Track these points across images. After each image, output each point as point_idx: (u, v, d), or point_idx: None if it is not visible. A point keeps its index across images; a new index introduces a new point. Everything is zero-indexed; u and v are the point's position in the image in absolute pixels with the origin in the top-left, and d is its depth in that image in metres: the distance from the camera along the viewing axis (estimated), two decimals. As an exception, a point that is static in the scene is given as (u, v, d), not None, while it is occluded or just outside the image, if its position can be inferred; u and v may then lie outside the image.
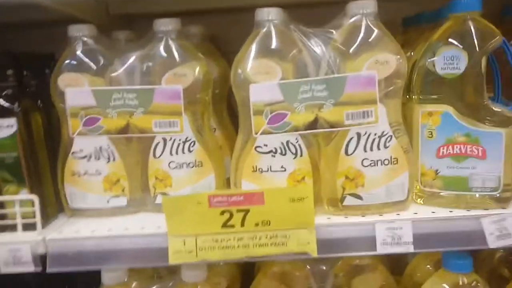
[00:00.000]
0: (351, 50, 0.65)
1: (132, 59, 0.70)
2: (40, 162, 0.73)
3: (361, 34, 0.65)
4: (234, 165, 0.70)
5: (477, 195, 0.67)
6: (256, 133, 0.67)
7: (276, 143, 0.67)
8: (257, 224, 0.65)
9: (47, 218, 0.73)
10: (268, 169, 0.68)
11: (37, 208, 0.68)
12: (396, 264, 0.86)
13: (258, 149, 0.68)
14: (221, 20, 1.00)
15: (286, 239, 0.64)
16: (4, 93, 0.68)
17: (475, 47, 0.64)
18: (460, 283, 0.69)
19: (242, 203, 0.64)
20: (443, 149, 0.68)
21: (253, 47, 0.66)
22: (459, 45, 0.65)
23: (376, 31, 0.65)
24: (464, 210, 0.67)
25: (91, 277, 0.75)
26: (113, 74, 0.70)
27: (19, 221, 0.68)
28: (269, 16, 0.65)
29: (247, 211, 0.65)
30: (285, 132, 0.66)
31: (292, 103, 0.66)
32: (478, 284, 0.70)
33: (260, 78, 0.66)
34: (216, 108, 0.87)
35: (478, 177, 0.67)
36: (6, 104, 0.67)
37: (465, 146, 0.66)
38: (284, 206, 0.64)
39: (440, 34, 0.67)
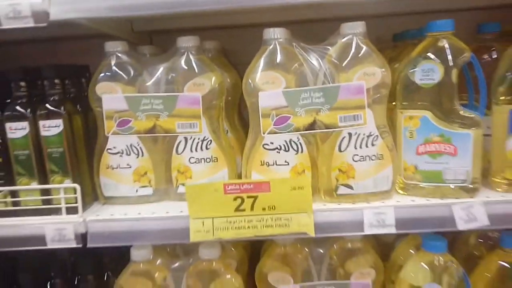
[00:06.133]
0: (343, 64, 0.77)
1: (159, 71, 0.83)
2: (80, 157, 0.86)
3: (352, 51, 0.77)
4: (245, 160, 0.83)
5: (451, 186, 0.79)
6: (264, 133, 0.79)
7: (281, 142, 0.80)
8: (264, 209, 0.77)
9: (85, 205, 0.85)
10: (274, 163, 0.80)
11: (78, 194, 0.81)
12: (384, 250, 0.97)
13: (265, 146, 0.80)
14: (232, 35, 1.13)
15: (288, 221, 0.76)
16: (52, 99, 0.82)
17: (448, 61, 0.76)
18: (436, 262, 0.81)
19: (252, 190, 0.76)
20: (422, 147, 0.80)
21: (261, 61, 0.79)
22: (435, 59, 0.77)
23: (364, 48, 0.77)
24: (439, 199, 0.79)
25: (122, 255, 0.88)
26: (142, 83, 0.83)
27: (63, 205, 0.81)
28: (275, 35, 0.78)
29: (255, 198, 0.77)
30: (288, 132, 0.79)
31: (294, 108, 0.78)
32: (452, 263, 0.81)
33: (267, 87, 0.78)
34: (228, 113, 0.99)
35: (451, 171, 0.79)
36: (54, 108, 0.81)
37: (440, 145, 0.78)
38: (287, 193, 0.76)
39: (420, 50, 0.79)
